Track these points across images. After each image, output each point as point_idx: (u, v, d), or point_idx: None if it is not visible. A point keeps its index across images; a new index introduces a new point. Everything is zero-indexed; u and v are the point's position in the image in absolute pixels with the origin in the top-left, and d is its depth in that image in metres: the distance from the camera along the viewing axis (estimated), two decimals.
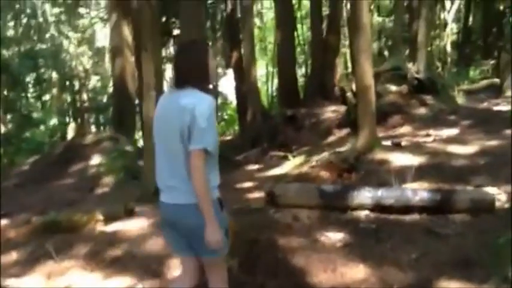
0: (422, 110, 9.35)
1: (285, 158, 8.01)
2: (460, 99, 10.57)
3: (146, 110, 6.67)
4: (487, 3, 28.59)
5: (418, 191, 4.38)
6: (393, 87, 10.37)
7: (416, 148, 6.61)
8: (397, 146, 6.83)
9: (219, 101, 24.70)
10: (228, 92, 24.47)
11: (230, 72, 18.30)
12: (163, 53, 20.10)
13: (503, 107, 9.23)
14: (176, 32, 16.65)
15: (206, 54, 2.36)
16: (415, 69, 11.24)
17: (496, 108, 9.39)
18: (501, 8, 29.62)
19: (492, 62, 20.28)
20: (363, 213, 4.35)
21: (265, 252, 3.60)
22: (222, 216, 2.33)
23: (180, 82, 2.32)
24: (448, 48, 28.76)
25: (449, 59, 28.83)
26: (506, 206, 4.27)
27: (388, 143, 7.05)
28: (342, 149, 6.96)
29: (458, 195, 4.30)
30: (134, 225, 4.55)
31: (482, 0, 28.72)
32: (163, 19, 15.76)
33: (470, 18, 28.41)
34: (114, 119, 14.37)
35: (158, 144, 2.40)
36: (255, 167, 8.08)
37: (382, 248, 3.72)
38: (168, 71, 24.20)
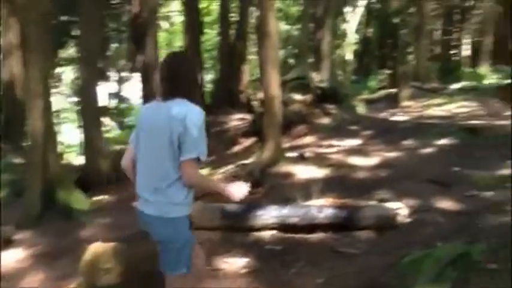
0: (325, 120, 9.49)
1: None
2: (361, 109, 10.91)
3: (32, 120, 5.98)
4: (384, 16, 30.47)
5: (323, 208, 4.27)
6: (298, 97, 10.44)
7: (320, 160, 6.60)
8: (301, 158, 6.78)
9: (124, 105, 23.68)
10: (132, 97, 23.49)
11: (135, 76, 17.50)
12: (62, 55, 18.85)
13: (400, 117, 9.64)
14: (76, 32, 15.57)
15: (194, 66, 2.48)
16: (319, 78, 11.47)
17: (393, 118, 9.78)
18: (396, 21, 31.77)
19: (388, 72, 21.44)
20: (269, 234, 4.16)
21: (161, 286, 3.24)
22: (190, 234, 2.38)
23: (169, 93, 2.32)
24: (348, 57, 30.21)
25: (349, 69, 30.29)
26: (408, 220, 4.29)
27: (293, 154, 6.98)
28: (247, 161, 6.77)
29: (363, 211, 4.25)
30: (10, 258, 3.95)
31: (380, 13, 30.61)
32: (64, 18, 14.68)
33: (370, 30, 30.04)
34: (1, 127, 13.01)
35: (142, 154, 2.38)
36: None
37: (288, 273, 3.53)
38: (68, 74, 22.76)
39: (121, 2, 17.58)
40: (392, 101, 12.17)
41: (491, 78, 11.88)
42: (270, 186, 5.76)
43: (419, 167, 5.70)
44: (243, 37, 14.44)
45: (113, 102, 23.28)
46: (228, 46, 14.20)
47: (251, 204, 4.56)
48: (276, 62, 6.61)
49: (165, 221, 2.29)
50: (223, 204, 4.24)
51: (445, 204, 4.61)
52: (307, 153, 7.05)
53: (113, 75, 23.12)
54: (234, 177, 6.03)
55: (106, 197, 7.04)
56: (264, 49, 6.64)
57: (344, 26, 31.15)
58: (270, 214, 4.23)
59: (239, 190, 2.40)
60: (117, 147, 12.53)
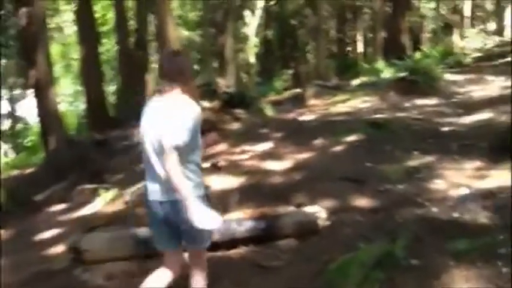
0: (235, 125, 9.36)
1: (96, 192, 7.10)
2: (269, 111, 10.93)
3: None
4: (282, 18, 31.24)
5: (243, 222, 4.10)
6: (206, 104, 10.23)
7: (234, 168, 6.43)
8: (215, 168, 6.56)
9: (19, 126, 21.97)
10: (28, 116, 21.83)
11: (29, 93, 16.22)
12: None
13: (308, 116, 9.77)
14: None
15: (188, 64, 2.67)
16: (225, 83, 11.34)
17: (301, 118, 9.89)
18: (294, 22, 32.73)
19: (291, 72, 21.90)
20: (187, 256, 3.87)
21: None
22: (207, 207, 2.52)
23: (165, 90, 2.51)
24: (251, 60, 30.58)
25: (253, 71, 30.67)
26: (328, 223, 4.25)
27: (206, 164, 6.74)
28: None
29: (282, 220, 4.14)
30: None
31: (278, 15, 31.33)
32: None
33: (269, 32, 30.62)
34: None
35: (145, 146, 2.55)
36: (60, 207, 6.97)
37: None
38: None
39: (6, 14, 16.19)
40: (299, 101, 12.34)
41: (387, 73, 12.49)
42: None
43: (333, 166, 5.73)
44: (143, 45, 13.95)
45: (7, 123, 21.55)
46: (128, 56, 13.62)
47: None
48: None
49: (177, 204, 2.44)
50: (136, 230, 3.91)
51: (362, 202, 4.65)
52: (221, 161, 6.85)
53: (3, 93, 21.32)
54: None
55: (1, 231, 6.31)
56: None
57: (244, 29, 31.57)
58: None
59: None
60: (14, 172, 11.47)
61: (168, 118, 2.42)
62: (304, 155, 6.43)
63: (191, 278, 2.75)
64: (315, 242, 3.92)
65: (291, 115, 10.79)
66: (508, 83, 9.85)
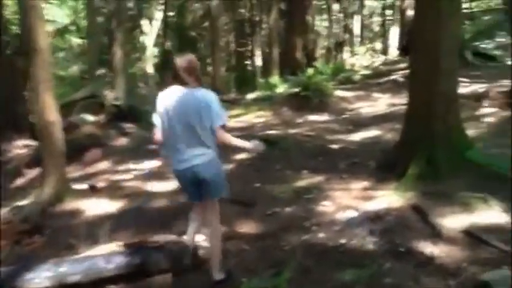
0: (123, 141, 8.70)
1: None
2: None
3: None
4: (181, 30, 30.75)
5: (112, 257, 3.56)
6: (91, 117, 9.44)
7: (114, 190, 5.85)
8: (93, 190, 5.90)
9: None
10: None
11: None
12: None
13: None
14: None
15: (197, 64, 3.35)
16: (114, 95, 10.59)
17: None
18: (194, 34, 32.40)
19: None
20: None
21: None
22: (223, 169, 3.53)
23: (186, 82, 3.23)
24: (150, 71, 29.63)
25: (151, 82, 29.72)
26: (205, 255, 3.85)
27: (82, 185, 6.06)
28: (25, 201, 5.62)
29: (159, 253, 3.67)
30: None
31: (177, 26, 30.80)
32: None
33: (168, 43, 29.96)
34: None
35: (174, 127, 3.24)
36: None
37: None
38: None
39: None
40: None
41: (282, 88, 12.55)
42: (52, 231, 4.79)
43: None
44: (25, 52, 12.63)
45: None
46: (8, 63, 12.24)
47: (19, 265, 3.60)
48: (49, 83, 5.62)
49: (207, 164, 3.25)
50: None
51: (249, 227, 4.35)
52: (100, 182, 6.21)
53: None
54: (5, 225, 4.89)
55: None
56: (34, 68, 5.61)
57: (143, 38, 30.52)
58: (42, 275, 3.35)
59: (258, 146, 3.41)
60: None
61: (204, 103, 3.17)
62: None
63: (207, 221, 3.54)
64: (194, 278, 3.50)
65: None
66: (393, 100, 10.30)
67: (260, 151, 3.46)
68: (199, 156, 3.23)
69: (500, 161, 4.64)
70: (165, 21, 26.80)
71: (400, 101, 9.88)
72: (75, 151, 8.28)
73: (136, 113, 10.23)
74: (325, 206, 4.51)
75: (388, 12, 31.69)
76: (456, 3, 5.03)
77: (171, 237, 4.13)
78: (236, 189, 5.23)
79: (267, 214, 4.51)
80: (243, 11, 29.77)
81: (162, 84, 26.28)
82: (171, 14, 30.17)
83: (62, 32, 29.21)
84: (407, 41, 12.42)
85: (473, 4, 24.56)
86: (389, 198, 4.46)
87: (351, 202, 4.52)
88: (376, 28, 40.78)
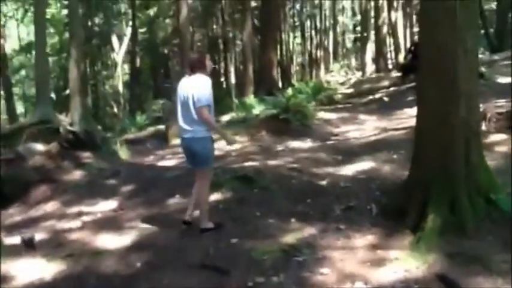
0: (77, 175, 7.48)
1: None
2: (124, 154, 9.20)
3: None
4: (154, 47, 29.63)
5: None
6: (40, 146, 8.19)
7: (55, 246, 4.69)
8: (28, 245, 4.71)
9: None
10: None
11: None
12: None
13: (169, 162, 8.27)
14: None
15: (205, 56, 4.43)
16: (68, 120, 9.40)
17: (161, 163, 8.35)
18: (166, 51, 31.27)
19: (163, 101, 20.30)
20: None
21: None
22: (212, 145, 4.42)
23: (192, 71, 4.30)
24: (120, 88, 28.34)
25: (122, 100, 28.43)
26: None
27: (15, 239, 4.88)
28: None
29: None
30: None
31: (148, 42, 29.67)
32: None
33: (138, 60, 28.84)
34: None
35: (179, 105, 4.32)
36: None
37: None
38: None
39: None
40: (162, 140, 10.79)
41: (259, 109, 11.54)
42: None
43: (189, 243, 4.29)
44: None
45: None
46: None
47: None
48: None
49: (196, 139, 4.24)
50: None
51: None
52: (39, 234, 5.03)
53: None
54: None
55: None
56: None
57: (113, 56, 29.24)
58: None
59: (232, 139, 4.78)
60: None
61: (195, 86, 4.20)
62: (153, 225, 4.89)
63: (197, 189, 4.52)
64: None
65: (149, 158, 9.19)
66: (381, 123, 9.42)
67: (231, 144, 4.80)
68: (190, 131, 4.24)
69: None
70: (134, 37, 25.64)
71: (390, 124, 9.02)
72: (20, 189, 7.07)
73: (95, 139, 9.05)
74: (324, 275, 3.45)
75: (359, 28, 31.22)
76: (473, 13, 4.12)
77: None
78: (206, 245, 4.16)
79: (248, 287, 3.43)
80: (215, 27, 28.92)
81: (132, 101, 25.10)
82: (142, 30, 29.07)
83: (25, 49, 27.73)
84: (411, 59, 11.53)
85: None
86: (406, 262, 3.45)
87: (357, 269, 3.48)
88: (349, 45, 40.55)
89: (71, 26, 9.85)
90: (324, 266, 3.57)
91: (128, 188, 6.63)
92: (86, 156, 8.33)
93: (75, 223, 5.42)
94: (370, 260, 3.58)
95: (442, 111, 4.02)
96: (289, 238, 4.10)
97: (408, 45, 23.71)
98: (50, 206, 6.45)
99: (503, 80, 11.58)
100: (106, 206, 5.95)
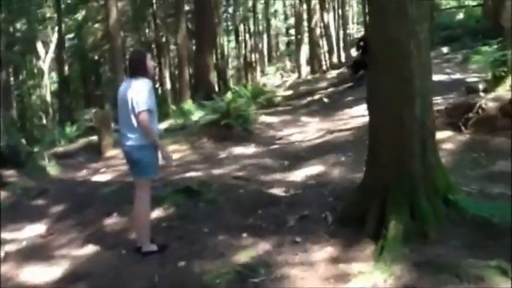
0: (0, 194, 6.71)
1: None
2: (53, 170, 8.45)
3: None
4: (83, 53, 28.28)
5: None
6: None
7: None
8: None
9: None
10: None
11: None
12: None
13: (103, 176, 7.66)
14: None
15: (145, 56, 4.07)
16: None
17: (95, 178, 7.72)
18: (96, 57, 29.94)
19: (95, 110, 19.27)
20: None
21: None
22: (156, 154, 3.98)
23: (132, 74, 3.95)
24: (49, 98, 26.83)
25: (51, 110, 26.94)
26: None
27: None
28: None
29: None
30: None
31: (77, 49, 28.27)
32: None
33: (66, 67, 27.47)
34: None
35: (119, 111, 4.01)
36: None
37: None
38: None
39: None
40: (95, 152, 10.06)
41: (197, 115, 11.09)
42: None
43: (128, 268, 3.81)
44: None
45: None
46: None
47: None
48: None
49: (138, 147, 3.90)
50: None
51: None
52: None
53: None
54: None
55: None
56: None
57: (39, 64, 27.56)
58: None
59: (169, 155, 4.10)
60: None
61: (134, 91, 3.83)
62: (87, 250, 4.35)
63: (136, 198, 4.07)
64: None
65: (82, 173, 8.49)
66: (323, 125, 9.29)
67: (169, 163, 4.21)
68: (131, 139, 3.91)
69: (502, 212, 3.57)
70: (61, 43, 24.29)
71: (333, 126, 8.91)
72: None
73: (19, 155, 8.24)
74: None
75: (293, 31, 31.46)
76: (425, 8, 3.96)
77: None
78: (148, 271, 3.71)
79: None
80: (147, 31, 28.05)
81: (62, 111, 23.77)
82: (69, 36, 27.64)
83: None
84: (361, 54, 11.25)
85: None
86: (372, 276, 3.18)
87: (320, 287, 3.18)
88: (283, 47, 40.89)
89: None
90: (283, 286, 3.24)
91: (57, 209, 5.97)
92: (9, 174, 7.57)
93: None
94: (333, 275, 3.29)
95: (397, 110, 3.82)
96: (242, 256, 3.73)
97: (342, 45, 24.21)
98: None
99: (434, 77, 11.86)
100: (32, 231, 5.29)
